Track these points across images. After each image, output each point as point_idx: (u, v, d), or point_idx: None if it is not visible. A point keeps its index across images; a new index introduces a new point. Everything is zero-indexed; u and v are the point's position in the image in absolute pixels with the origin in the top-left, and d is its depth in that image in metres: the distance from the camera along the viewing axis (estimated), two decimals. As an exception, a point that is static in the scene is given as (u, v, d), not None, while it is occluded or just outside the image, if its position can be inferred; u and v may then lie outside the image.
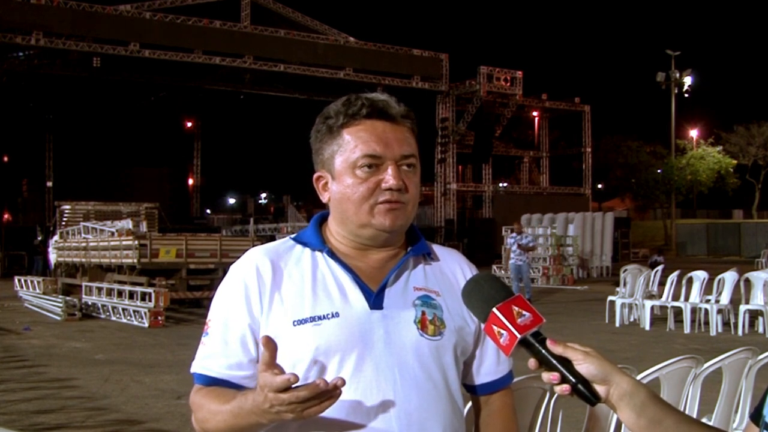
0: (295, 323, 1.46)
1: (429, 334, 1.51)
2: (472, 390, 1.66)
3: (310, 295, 1.49)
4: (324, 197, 1.58)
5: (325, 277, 1.52)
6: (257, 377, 1.33)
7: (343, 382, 1.31)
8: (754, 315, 11.14)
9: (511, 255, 14.01)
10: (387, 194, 1.50)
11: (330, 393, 1.29)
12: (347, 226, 1.55)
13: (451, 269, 1.63)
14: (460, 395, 1.58)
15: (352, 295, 1.50)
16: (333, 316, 1.47)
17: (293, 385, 1.28)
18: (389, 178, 1.49)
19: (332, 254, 1.55)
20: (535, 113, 47.12)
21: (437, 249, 1.66)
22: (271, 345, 1.32)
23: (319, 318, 1.46)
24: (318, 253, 1.56)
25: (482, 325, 1.29)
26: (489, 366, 1.64)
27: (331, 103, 1.57)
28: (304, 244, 1.58)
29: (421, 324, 1.51)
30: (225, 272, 1.59)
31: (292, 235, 1.62)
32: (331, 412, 1.43)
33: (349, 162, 1.51)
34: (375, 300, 1.50)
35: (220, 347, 1.49)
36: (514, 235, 14.28)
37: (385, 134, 1.51)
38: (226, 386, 1.47)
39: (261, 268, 1.52)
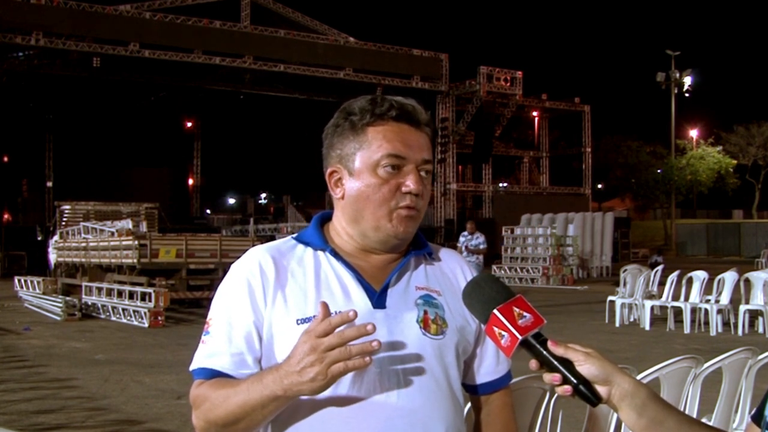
0: (299, 322, 1.46)
1: (431, 333, 1.51)
2: (471, 390, 1.66)
3: (313, 293, 1.49)
4: (337, 193, 1.56)
5: (328, 277, 1.52)
6: (302, 334, 1.33)
7: (379, 344, 1.32)
8: (754, 315, 11.14)
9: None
10: (407, 199, 1.50)
11: (365, 347, 1.30)
12: (359, 225, 1.54)
13: (451, 269, 1.64)
14: (462, 394, 1.59)
15: (355, 295, 1.50)
16: (336, 314, 1.46)
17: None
18: (410, 182, 1.49)
19: (335, 254, 1.54)
20: (535, 113, 47.12)
21: (438, 249, 1.67)
22: (325, 308, 1.34)
23: None
24: (320, 253, 1.55)
25: (483, 327, 1.29)
26: (489, 365, 1.64)
27: (352, 100, 1.57)
28: (306, 244, 1.57)
29: (424, 323, 1.51)
30: (225, 272, 1.58)
31: (293, 235, 1.62)
32: (335, 411, 1.43)
33: (371, 160, 1.50)
34: (378, 299, 1.50)
35: (225, 345, 1.47)
36: (465, 234, 13.95)
37: (410, 137, 1.52)
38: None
39: (264, 266, 1.51)
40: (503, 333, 1.23)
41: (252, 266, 1.52)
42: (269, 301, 1.49)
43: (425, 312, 1.52)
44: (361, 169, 1.51)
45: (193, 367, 1.49)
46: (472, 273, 1.63)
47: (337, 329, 1.31)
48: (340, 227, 1.58)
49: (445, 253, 1.68)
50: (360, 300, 1.50)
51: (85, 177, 39.44)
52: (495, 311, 1.24)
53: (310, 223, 1.64)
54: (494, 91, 40.11)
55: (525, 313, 1.23)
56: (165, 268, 15.36)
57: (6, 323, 12.89)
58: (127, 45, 32.23)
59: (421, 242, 1.63)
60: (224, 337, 1.48)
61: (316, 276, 1.52)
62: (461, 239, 13.78)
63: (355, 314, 1.32)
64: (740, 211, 64.15)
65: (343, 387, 1.43)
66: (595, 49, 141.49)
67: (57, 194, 33.80)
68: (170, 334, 11.63)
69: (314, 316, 1.45)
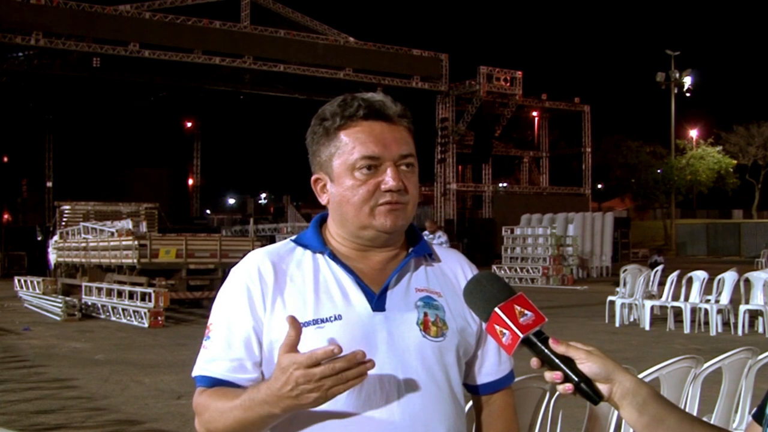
0: None
1: (431, 335, 1.51)
2: (473, 390, 1.65)
3: (312, 297, 1.49)
4: (323, 199, 1.57)
5: (327, 280, 1.52)
6: (278, 360, 1.32)
7: (373, 364, 1.31)
8: (753, 315, 11.13)
9: None
10: (387, 195, 1.49)
11: (360, 369, 1.29)
12: (347, 227, 1.54)
13: (452, 270, 1.63)
14: (462, 396, 1.58)
15: (355, 298, 1.50)
16: (335, 318, 1.46)
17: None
18: (388, 179, 1.48)
19: (333, 256, 1.54)
20: (534, 113, 47.11)
21: (438, 250, 1.66)
22: (296, 325, 1.32)
23: (322, 321, 1.46)
24: (319, 256, 1.55)
25: (484, 325, 1.29)
26: (490, 366, 1.64)
27: (326, 104, 1.56)
28: (305, 246, 1.57)
29: (424, 325, 1.51)
30: (225, 273, 1.59)
31: (293, 237, 1.62)
32: (335, 414, 1.43)
33: (347, 164, 1.50)
34: (377, 302, 1.50)
35: (224, 350, 1.48)
36: (426, 233, 13.71)
37: (383, 135, 1.50)
38: (230, 387, 1.47)
39: (263, 270, 1.52)
40: (505, 331, 1.23)
41: (251, 271, 1.52)
42: (268, 306, 1.49)
43: (425, 314, 1.52)
44: (340, 173, 1.51)
45: (195, 373, 1.50)
46: (473, 273, 1.63)
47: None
48: (333, 231, 1.59)
49: (445, 253, 1.67)
50: (359, 303, 1.49)
51: (85, 177, 39.42)
52: (496, 309, 1.24)
53: (310, 224, 1.64)
54: (494, 91, 40.11)
55: (526, 311, 1.23)
56: (165, 268, 15.36)
57: (6, 323, 12.89)
58: (127, 45, 32.22)
59: (420, 243, 1.62)
60: (224, 343, 1.48)
61: (315, 280, 1.52)
62: None
63: (339, 349, 1.29)
64: (740, 211, 64.16)
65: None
66: (595, 49, 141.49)
67: (57, 194, 33.81)
68: (170, 334, 11.62)
69: (314, 321, 1.46)
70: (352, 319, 1.46)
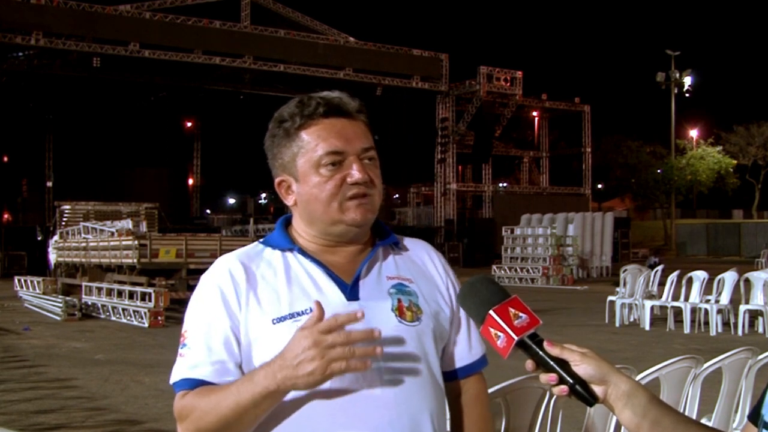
0: (275, 321, 1.47)
1: (407, 320, 1.52)
2: (448, 376, 1.65)
3: (285, 292, 1.50)
4: (289, 201, 1.58)
5: (298, 275, 1.53)
6: (296, 332, 1.36)
7: (381, 352, 1.36)
8: (753, 315, 11.14)
9: None
10: (354, 189, 1.51)
11: (371, 350, 1.34)
12: (317, 225, 1.56)
13: (419, 257, 1.66)
14: (442, 379, 1.59)
15: (328, 289, 1.51)
16: (311, 310, 1.45)
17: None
18: (354, 172, 1.50)
19: (303, 252, 1.56)
20: (534, 113, 47.12)
21: (404, 239, 1.69)
22: (320, 308, 1.36)
23: (298, 314, 1.47)
24: (288, 253, 1.57)
25: (479, 327, 1.29)
26: (462, 351, 1.65)
27: (283, 107, 1.59)
28: (274, 246, 1.58)
29: (399, 311, 1.52)
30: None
31: (260, 240, 1.63)
32: (319, 405, 1.44)
33: (312, 162, 1.52)
34: (351, 292, 1.52)
35: (204, 355, 1.47)
36: None
37: (345, 130, 1.53)
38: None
39: (234, 271, 1.52)
40: (499, 334, 1.23)
41: (222, 273, 1.53)
42: (243, 304, 1.49)
43: (399, 300, 1.54)
44: (305, 172, 1.53)
45: (174, 379, 1.49)
46: (440, 259, 1.67)
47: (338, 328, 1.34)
48: (301, 230, 1.60)
49: (411, 242, 1.70)
50: (333, 294, 1.51)
51: (85, 177, 39.36)
52: (491, 312, 1.24)
53: (275, 226, 1.65)
54: (494, 91, 40.11)
55: (521, 314, 1.24)
56: (165, 268, 15.37)
57: (6, 323, 12.90)
58: (127, 45, 32.24)
59: (385, 233, 1.65)
60: (203, 347, 1.47)
61: (287, 276, 1.53)
62: None
63: (363, 314, 1.35)
64: (740, 211, 64.11)
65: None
66: (595, 49, 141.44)
67: (57, 194, 33.80)
68: (170, 334, 11.62)
69: (290, 315, 1.47)
70: (328, 309, 1.44)
